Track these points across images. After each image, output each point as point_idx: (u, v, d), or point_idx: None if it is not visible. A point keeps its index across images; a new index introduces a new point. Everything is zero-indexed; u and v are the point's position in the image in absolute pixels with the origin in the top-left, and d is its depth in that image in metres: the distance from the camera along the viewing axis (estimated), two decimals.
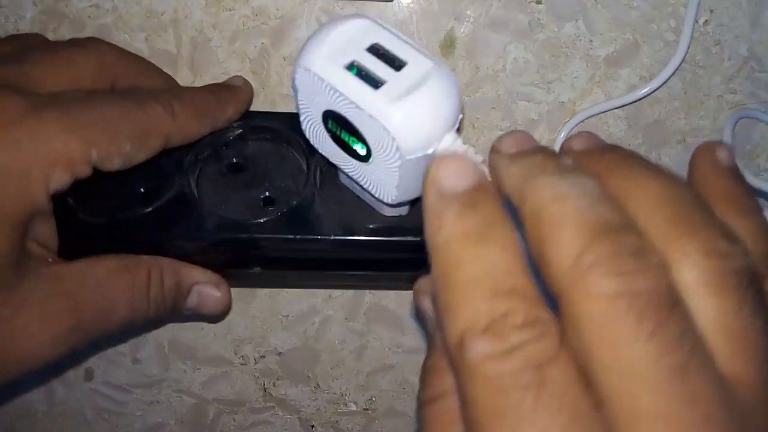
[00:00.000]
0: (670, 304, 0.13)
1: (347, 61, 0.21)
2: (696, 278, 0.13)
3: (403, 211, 0.27)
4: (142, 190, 0.27)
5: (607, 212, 0.14)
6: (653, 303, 0.13)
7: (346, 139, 0.22)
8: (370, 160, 0.22)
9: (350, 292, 0.36)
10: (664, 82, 0.32)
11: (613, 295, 0.13)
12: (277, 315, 0.37)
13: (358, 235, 0.26)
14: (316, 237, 0.26)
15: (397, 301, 0.36)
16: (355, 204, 0.27)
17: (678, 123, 0.33)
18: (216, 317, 0.35)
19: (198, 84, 0.31)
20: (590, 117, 0.32)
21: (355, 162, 0.23)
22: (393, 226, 0.27)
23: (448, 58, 0.32)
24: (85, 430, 0.39)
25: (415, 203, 0.26)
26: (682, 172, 0.35)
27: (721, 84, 0.32)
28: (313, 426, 0.39)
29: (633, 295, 0.13)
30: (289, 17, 0.31)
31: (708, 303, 0.13)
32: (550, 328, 0.14)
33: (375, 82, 0.20)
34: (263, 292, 0.36)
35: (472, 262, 0.15)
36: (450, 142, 0.20)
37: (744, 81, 0.32)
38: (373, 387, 0.38)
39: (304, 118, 0.24)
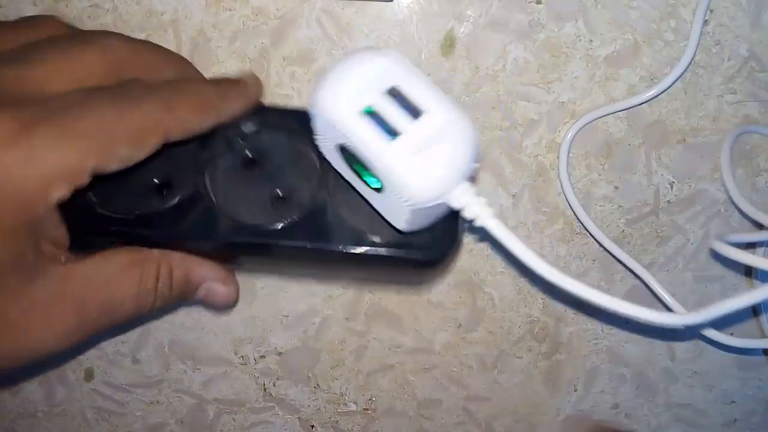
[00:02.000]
0: None
1: (364, 104, 0.21)
2: None
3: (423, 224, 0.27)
4: (158, 186, 0.28)
5: None
6: None
7: (360, 171, 0.23)
8: (383, 192, 0.22)
9: (350, 292, 0.36)
10: (672, 84, 0.32)
11: None
12: (277, 315, 0.36)
13: (367, 247, 0.27)
14: (327, 248, 0.26)
15: (397, 301, 0.36)
16: (368, 212, 0.27)
17: (678, 123, 0.33)
18: (222, 310, 0.35)
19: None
20: (596, 119, 0.32)
21: (368, 189, 0.24)
22: (402, 242, 0.27)
23: (447, 58, 0.32)
24: (85, 430, 0.39)
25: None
26: (682, 172, 0.35)
27: (721, 84, 0.32)
28: (313, 426, 0.39)
29: None
30: (289, 17, 0.31)
31: None
32: None
33: (391, 131, 0.21)
34: (263, 292, 0.36)
35: None
36: (461, 192, 0.21)
37: (744, 81, 0.32)
38: (373, 387, 0.38)
39: (320, 142, 0.24)
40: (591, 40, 0.31)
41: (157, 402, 0.38)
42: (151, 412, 0.39)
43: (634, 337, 0.36)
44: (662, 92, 0.32)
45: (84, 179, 0.23)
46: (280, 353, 0.37)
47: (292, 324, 0.37)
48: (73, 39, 0.25)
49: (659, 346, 0.36)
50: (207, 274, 0.28)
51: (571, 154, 0.33)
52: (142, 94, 0.24)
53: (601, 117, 0.32)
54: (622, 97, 0.32)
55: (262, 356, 0.37)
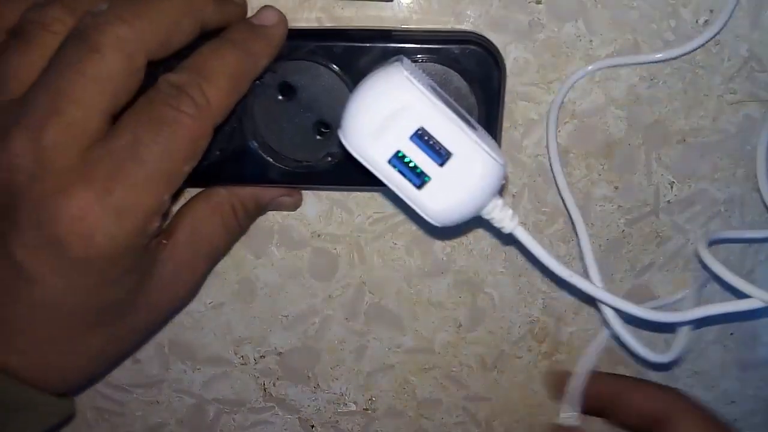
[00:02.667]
0: None
1: (392, 151, 0.22)
2: None
3: None
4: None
5: None
6: None
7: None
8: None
9: (350, 292, 0.36)
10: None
11: None
12: (277, 315, 0.37)
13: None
14: (366, 186, 0.29)
15: (397, 301, 0.36)
16: None
17: (678, 123, 0.33)
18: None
19: None
20: (605, 68, 0.31)
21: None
22: None
23: None
24: (85, 430, 0.39)
25: None
26: (682, 172, 0.35)
27: (721, 84, 0.32)
28: (313, 426, 0.39)
29: None
30: (288, 17, 0.31)
31: None
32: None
33: (420, 176, 0.22)
34: (263, 292, 0.36)
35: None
36: (489, 209, 0.24)
37: (744, 81, 0.32)
38: (373, 387, 0.38)
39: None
40: (591, 40, 0.31)
41: (157, 402, 0.39)
42: (151, 412, 0.39)
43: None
44: (662, 92, 0.32)
45: (166, 205, 0.25)
46: (280, 353, 0.37)
47: (292, 324, 0.37)
48: (83, 42, 0.23)
49: (659, 346, 0.36)
50: (273, 194, 0.32)
51: (570, 155, 0.33)
52: (175, 103, 0.23)
53: (611, 66, 0.32)
54: (621, 96, 0.32)
55: (262, 356, 0.37)
